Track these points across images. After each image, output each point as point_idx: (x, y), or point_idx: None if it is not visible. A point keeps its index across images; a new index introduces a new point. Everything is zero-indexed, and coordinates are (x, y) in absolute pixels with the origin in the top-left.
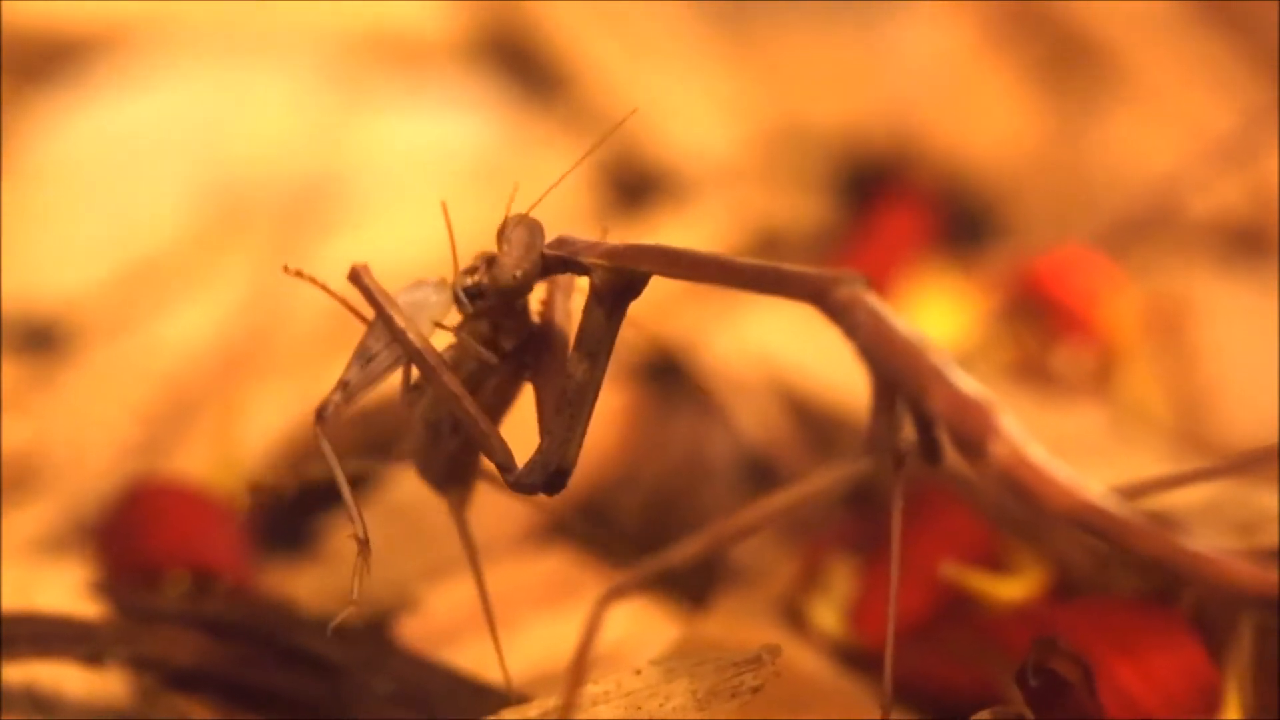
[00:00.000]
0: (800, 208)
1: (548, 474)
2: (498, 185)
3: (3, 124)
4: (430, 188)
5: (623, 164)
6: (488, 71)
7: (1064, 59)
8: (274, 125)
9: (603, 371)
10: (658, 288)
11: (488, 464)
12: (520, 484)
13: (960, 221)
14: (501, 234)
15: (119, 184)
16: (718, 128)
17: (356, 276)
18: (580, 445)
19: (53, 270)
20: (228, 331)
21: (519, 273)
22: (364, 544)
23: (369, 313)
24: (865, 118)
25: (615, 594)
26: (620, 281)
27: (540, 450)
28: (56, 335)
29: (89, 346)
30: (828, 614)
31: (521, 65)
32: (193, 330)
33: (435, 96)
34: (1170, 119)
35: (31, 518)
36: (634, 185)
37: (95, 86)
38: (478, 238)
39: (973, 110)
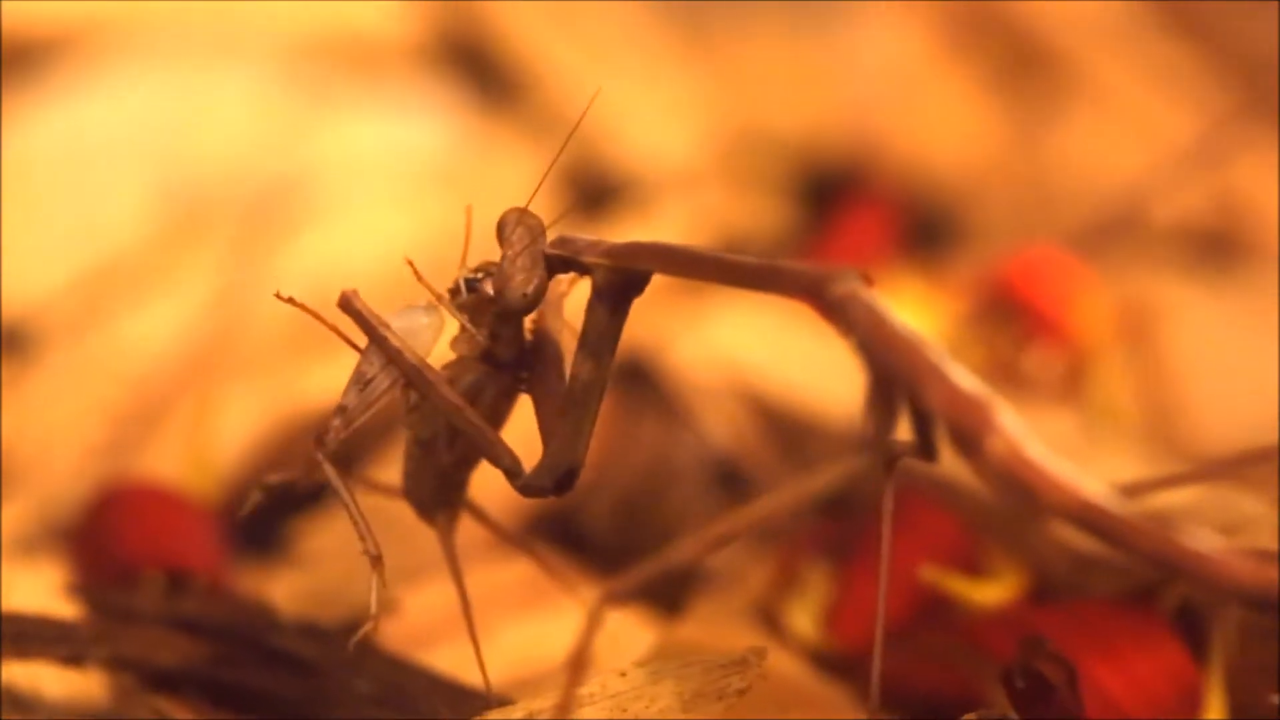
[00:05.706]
0: (761, 212)
1: (557, 475)
2: (457, 188)
3: None
4: (389, 191)
5: (583, 169)
6: (447, 75)
7: (1022, 64)
8: (235, 127)
9: (608, 370)
10: None
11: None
12: (529, 487)
13: (921, 226)
14: (501, 230)
15: (81, 185)
16: (678, 132)
17: (347, 302)
18: (588, 445)
19: (16, 272)
20: (193, 332)
21: (527, 291)
22: (377, 559)
23: (352, 330)
24: (825, 122)
25: (612, 597)
26: (622, 280)
27: (548, 453)
28: (21, 337)
29: (54, 348)
30: (804, 619)
31: (480, 69)
32: (157, 331)
33: (394, 100)
34: (1128, 124)
35: (2, 520)
36: (595, 190)
37: (57, 88)
38: (437, 239)
39: (932, 115)
